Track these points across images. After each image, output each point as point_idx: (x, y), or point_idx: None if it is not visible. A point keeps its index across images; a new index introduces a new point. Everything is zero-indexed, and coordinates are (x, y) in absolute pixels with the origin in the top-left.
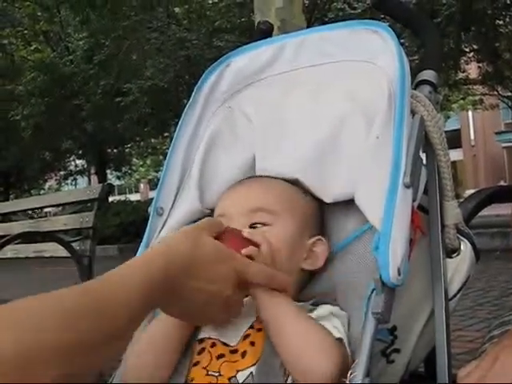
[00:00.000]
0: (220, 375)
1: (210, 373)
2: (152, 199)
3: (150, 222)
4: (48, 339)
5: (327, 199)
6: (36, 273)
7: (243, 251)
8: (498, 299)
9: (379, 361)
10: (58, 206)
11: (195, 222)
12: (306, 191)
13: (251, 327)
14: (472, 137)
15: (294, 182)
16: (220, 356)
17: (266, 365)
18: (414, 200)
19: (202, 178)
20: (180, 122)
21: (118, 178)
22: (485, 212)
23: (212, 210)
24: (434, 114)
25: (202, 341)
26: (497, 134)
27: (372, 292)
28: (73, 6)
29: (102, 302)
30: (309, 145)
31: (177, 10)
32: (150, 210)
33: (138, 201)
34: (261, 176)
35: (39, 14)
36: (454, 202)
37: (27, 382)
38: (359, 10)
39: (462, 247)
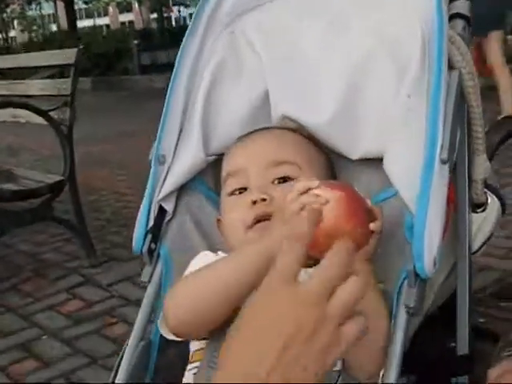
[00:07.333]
0: None
1: None
2: (122, 24)
3: (152, 171)
4: None
5: (354, 156)
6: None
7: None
8: None
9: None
10: (31, 68)
11: (198, 172)
12: (321, 146)
13: None
14: None
15: (307, 136)
16: None
17: None
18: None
19: (206, 116)
20: (179, 54)
21: (86, 2)
22: None
23: (217, 155)
24: (471, 65)
25: None
26: None
27: (403, 281)
28: None
29: None
30: (334, 92)
31: None
32: (151, 158)
33: (108, 26)
34: (269, 127)
35: None
36: (484, 155)
37: None
38: None
39: (488, 201)
